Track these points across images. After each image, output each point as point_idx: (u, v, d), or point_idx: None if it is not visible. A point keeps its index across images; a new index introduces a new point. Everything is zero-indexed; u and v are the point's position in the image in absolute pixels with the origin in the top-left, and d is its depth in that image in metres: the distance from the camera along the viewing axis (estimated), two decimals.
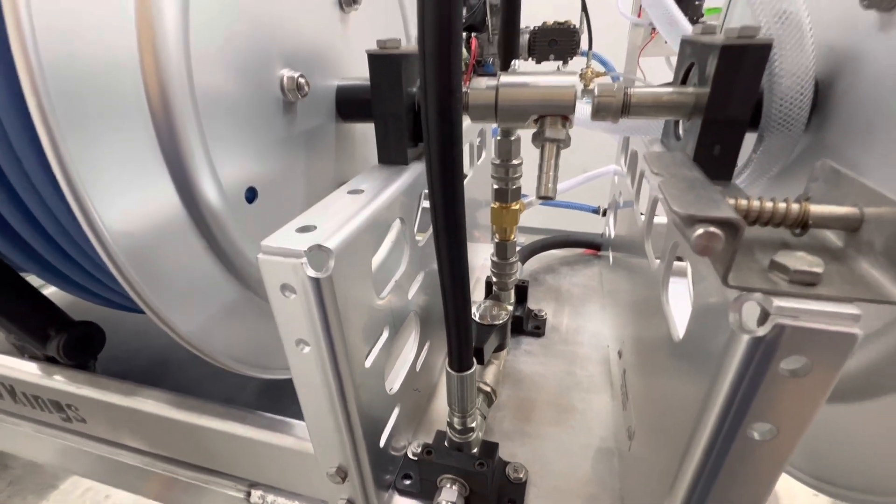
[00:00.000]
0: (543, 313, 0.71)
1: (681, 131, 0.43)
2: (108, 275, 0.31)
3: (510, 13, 0.50)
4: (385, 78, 0.41)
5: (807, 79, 0.34)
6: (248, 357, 0.43)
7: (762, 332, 0.21)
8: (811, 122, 0.37)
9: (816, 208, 0.25)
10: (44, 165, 0.28)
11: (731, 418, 0.24)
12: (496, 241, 0.61)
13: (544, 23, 1.23)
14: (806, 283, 0.22)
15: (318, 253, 0.29)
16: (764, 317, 0.22)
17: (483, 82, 0.42)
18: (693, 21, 0.61)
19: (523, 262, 0.86)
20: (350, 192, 0.37)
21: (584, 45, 1.36)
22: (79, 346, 0.51)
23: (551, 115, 0.43)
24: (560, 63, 1.32)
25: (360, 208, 0.35)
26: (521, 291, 0.69)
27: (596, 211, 0.95)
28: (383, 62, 0.40)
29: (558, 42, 1.32)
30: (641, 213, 0.54)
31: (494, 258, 0.62)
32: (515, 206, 0.59)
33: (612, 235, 0.76)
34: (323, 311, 0.30)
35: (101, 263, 0.31)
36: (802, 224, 0.25)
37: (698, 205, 0.22)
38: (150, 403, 0.49)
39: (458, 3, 0.24)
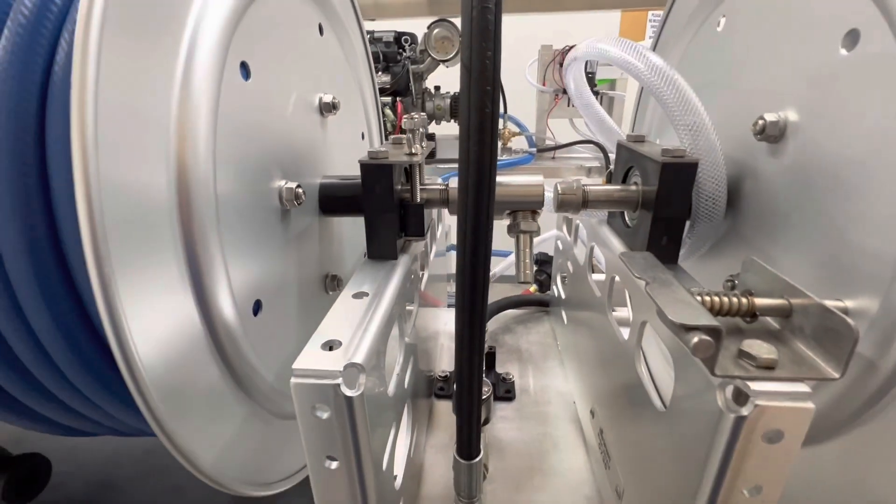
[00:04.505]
0: (511, 376, 0.75)
1: (628, 220, 0.51)
2: (126, 408, 0.29)
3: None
4: (378, 183, 0.44)
5: (721, 185, 0.44)
6: (255, 476, 0.41)
7: (745, 412, 0.27)
8: (727, 213, 0.47)
9: (759, 301, 0.32)
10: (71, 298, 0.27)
11: (725, 483, 0.29)
12: None
13: None
14: (768, 367, 0.28)
15: (351, 371, 0.30)
16: (744, 399, 0.28)
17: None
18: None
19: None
20: (355, 297, 0.39)
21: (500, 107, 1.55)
22: (21, 487, 0.45)
23: (523, 210, 0.50)
24: None
25: (371, 314, 0.37)
26: (491, 358, 0.73)
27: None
28: (376, 170, 0.44)
29: None
30: (595, 280, 0.61)
31: None
32: None
33: (563, 296, 0.83)
34: (354, 426, 0.31)
35: (118, 397, 0.29)
36: (752, 314, 0.32)
37: (686, 313, 0.28)
38: None
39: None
